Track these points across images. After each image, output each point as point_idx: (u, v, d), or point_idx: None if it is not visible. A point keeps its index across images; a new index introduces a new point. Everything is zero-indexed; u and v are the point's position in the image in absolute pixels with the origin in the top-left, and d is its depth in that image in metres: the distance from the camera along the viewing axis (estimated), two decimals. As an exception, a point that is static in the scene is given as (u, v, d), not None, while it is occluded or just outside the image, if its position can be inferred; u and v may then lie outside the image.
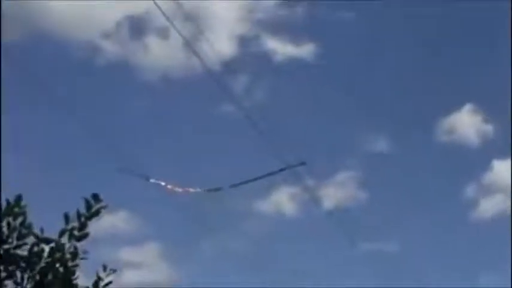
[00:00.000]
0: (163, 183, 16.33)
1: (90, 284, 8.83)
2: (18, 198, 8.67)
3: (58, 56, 27.04)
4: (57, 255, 8.64)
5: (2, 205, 8.57)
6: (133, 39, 27.31)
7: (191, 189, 16.72)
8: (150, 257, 26.45)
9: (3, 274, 8.36)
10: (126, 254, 25.43)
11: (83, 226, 8.73)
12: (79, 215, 8.70)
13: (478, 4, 29.08)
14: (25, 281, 8.50)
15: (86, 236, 8.77)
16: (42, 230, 8.71)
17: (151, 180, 16.23)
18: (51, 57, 26.94)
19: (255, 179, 16.80)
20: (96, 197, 8.77)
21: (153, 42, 27.38)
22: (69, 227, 8.68)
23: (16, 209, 8.57)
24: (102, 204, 8.79)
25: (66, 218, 8.67)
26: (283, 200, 26.78)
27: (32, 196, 9.50)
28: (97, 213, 8.76)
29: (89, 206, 8.74)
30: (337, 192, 27.03)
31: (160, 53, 27.06)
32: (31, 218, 8.71)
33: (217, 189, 17.10)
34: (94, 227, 9.24)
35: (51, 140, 26.62)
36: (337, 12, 30.36)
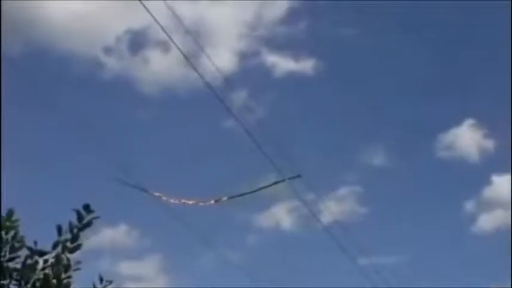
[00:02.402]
0: (162, 196, 16.34)
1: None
2: (10, 212, 8.69)
3: (59, 70, 27.17)
4: (55, 268, 8.66)
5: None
6: (134, 53, 27.35)
7: (190, 202, 16.74)
8: (150, 270, 26.33)
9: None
10: (127, 267, 25.35)
11: (75, 238, 8.73)
12: (71, 227, 8.71)
13: (480, 18, 29.11)
14: (19, 294, 8.51)
15: (78, 247, 8.78)
16: (35, 243, 8.73)
17: (151, 193, 16.24)
18: (52, 71, 27.06)
19: (252, 192, 16.77)
20: (87, 208, 8.78)
21: (154, 57, 27.46)
22: (62, 239, 8.69)
23: (8, 223, 8.59)
24: (94, 215, 8.79)
25: (59, 229, 8.68)
26: (282, 213, 26.81)
27: (29, 208, 9.59)
28: (89, 224, 8.76)
29: (80, 217, 8.75)
30: (337, 206, 26.84)
31: (161, 67, 27.13)
32: (25, 230, 8.76)
33: (216, 201, 17.12)
34: (94, 240, 9.30)
35: (50, 152, 26.74)
36: (338, 28, 30.47)
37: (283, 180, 16.29)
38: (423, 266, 27.68)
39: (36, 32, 25.83)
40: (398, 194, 28.56)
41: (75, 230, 8.74)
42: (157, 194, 16.26)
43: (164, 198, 16.28)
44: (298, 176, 16.41)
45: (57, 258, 8.64)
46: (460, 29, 30.61)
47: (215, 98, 13.92)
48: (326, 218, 19.61)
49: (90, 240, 8.89)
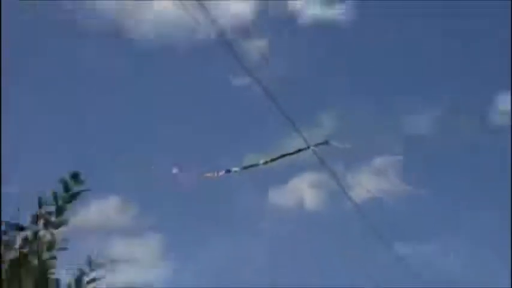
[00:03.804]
0: (171, 169, 14.98)
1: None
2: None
3: (45, 14, 23.86)
4: (36, 245, 7.45)
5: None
6: None
7: (198, 174, 15.33)
8: (148, 252, 23.03)
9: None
10: (120, 247, 21.96)
11: (60, 211, 7.45)
12: (56, 198, 7.42)
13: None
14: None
15: (64, 222, 7.51)
16: (14, 217, 7.48)
17: (163, 167, 14.91)
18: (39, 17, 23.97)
19: (271, 161, 14.87)
20: (75, 177, 7.48)
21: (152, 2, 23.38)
22: (44, 211, 7.42)
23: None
24: (84, 185, 7.51)
25: (40, 201, 7.40)
26: (303, 188, 23.04)
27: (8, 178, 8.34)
28: (76, 194, 7.47)
29: (67, 188, 7.46)
30: (371, 180, 23.24)
31: (161, 16, 23.32)
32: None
33: (227, 172, 15.42)
34: (82, 215, 8.14)
35: (36, 119, 24.23)
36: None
37: (308, 148, 14.34)
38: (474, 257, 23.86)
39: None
40: (443, 168, 24.49)
41: (60, 202, 7.47)
42: (157, 166, 14.93)
43: (174, 171, 14.91)
44: (326, 142, 14.50)
45: (38, 234, 7.37)
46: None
47: (227, 51, 12.35)
48: (358, 193, 16.60)
49: (78, 215, 7.60)
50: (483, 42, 28.29)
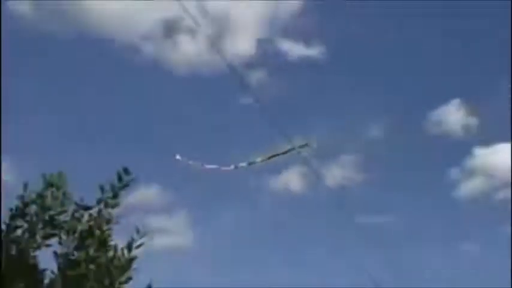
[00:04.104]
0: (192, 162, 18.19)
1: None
2: (60, 173, 10.19)
3: (99, 53, 29.82)
4: (98, 220, 10.09)
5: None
6: (166, 39, 30.58)
7: (215, 167, 18.47)
8: (178, 224, 30.00)
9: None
10: (159, 221, 28.81)
11: (116, 195, 10.18)
12: (113, 186, 10.16)
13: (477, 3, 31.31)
14: (68, 242, 9.99)
15: (118, 204, 10.23)
16: (82, 199, 10.20)
17: (189, 162, 18.01)
18: (92, 54, 29.67)
19: (268, 158, 18.33)
20: (126, 171, 10.22)
21: (184, 42, 30.62)
22: (105, 196, 10.14)
23: (58, 182, 10.07)
24: (132, 176, 10.25)
25: (102, 188, 10.14)
26: (293, 178, 30.24)
27: (73, 169, 11.17)
28: (127, 184, 10.21)
29: (120, 178, 10.19)
30: (338, 172, 30.41)
31: (190, 51, 30.23)
32: (71, 189, 10.25)
33: (236, 167, 18.74)
34: (131, 197, 10.77)
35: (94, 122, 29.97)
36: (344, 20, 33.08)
37: (292, 149, 17.66)
38: (411, 225, 31.06)
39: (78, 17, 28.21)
40: (391, 163, 31.76)
41: (116, 189, 10.19)
42: (185, 159, 17.99)
43: (192, 163, 18.03)
44: (305, 145, 17.90)
45: (100, 212, 10.11)
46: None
47: (235, 78, 15.16)
48: (329, 181, 21.93)
49: (126, 197, 10.33)
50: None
